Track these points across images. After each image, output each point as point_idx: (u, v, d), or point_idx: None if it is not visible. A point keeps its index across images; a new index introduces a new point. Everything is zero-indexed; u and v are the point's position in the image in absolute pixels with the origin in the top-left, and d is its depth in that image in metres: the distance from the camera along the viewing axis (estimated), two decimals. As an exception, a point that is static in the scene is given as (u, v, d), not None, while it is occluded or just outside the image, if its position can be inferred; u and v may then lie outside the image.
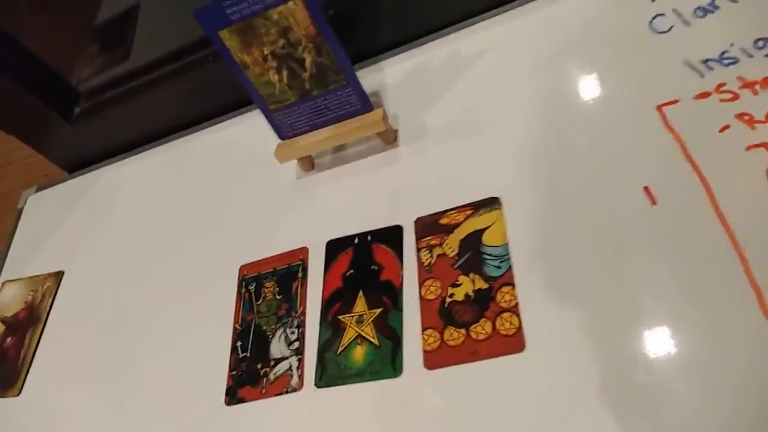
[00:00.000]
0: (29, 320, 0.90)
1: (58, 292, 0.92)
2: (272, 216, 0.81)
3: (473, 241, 0.65)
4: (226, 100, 0.93)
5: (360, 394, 0.62)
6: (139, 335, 0.80)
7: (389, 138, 0.78)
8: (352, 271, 0.71)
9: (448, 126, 0.76)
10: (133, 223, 0.93)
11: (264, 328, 0.72)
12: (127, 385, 0.76)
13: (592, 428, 0.51)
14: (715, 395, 0.48)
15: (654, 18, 0.68)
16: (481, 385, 0.57)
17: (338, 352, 0.66)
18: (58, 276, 0.94)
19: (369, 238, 0.72)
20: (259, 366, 0.69)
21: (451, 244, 0.66)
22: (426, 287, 0.65)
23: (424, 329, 0.62)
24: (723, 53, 0.62)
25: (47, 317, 0.90)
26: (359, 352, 0.64)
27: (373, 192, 0.76)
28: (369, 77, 0.84)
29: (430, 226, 0.69)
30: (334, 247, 0.73)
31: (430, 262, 0.66)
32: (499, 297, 0.61)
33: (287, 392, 0.66)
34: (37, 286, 0.94)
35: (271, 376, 0.68)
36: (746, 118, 0.58)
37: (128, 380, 0.77)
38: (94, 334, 0.84)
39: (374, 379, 0.62)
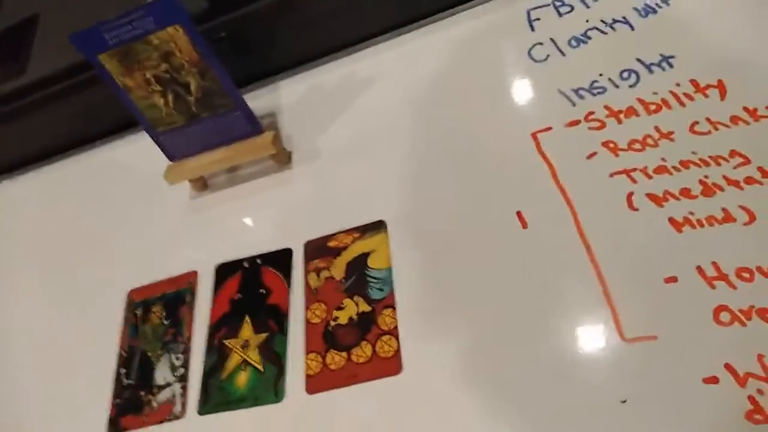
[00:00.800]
0: None
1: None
2: (163, 238, 0.80)
3: (359, 264, 0.66)
4: (120, 119, 0.91)
5: (242, 420, 0.61)
6: (19, 361, 0.76)
7: (282, 159, 0.78)
8: (240, 295, 0.70)
9: (339, 149, 0.76)
10: (20, 241, 0.89)
11: (149, 354, 0.70)
12: (5, 413, 0.73)
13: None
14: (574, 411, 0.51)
15: (533, 47, 0.71)
16: (359, 408, 0.58)
17: (223, 377, 0.65)
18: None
19: (259, 261, 0.71)
20: (143, 393, 0.68)
21: (338, 267, 0.67)
22: (312, 311, 0.65)
23: (307, 353, 0.62)
24: (593, 83, 0.66)
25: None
26: (243, 378, 0.64)
27: (266, 214, 0.76)
28: (264, 98, 0.84)
29: (319, 249, 0.69)
30: (224, 271, 0.73)
31: (317, 286, 0.66)
32: (380, 320, 0.61)
33: (169, 419, 0.64)
34: None
35: (155, 404, 0.66)
36: (611, 145, 0.61)
37: (5, 407, 0.73)
38: None
39: (256, 405, 0.62)
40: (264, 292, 0.69)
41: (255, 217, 0.76)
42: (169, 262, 0.76)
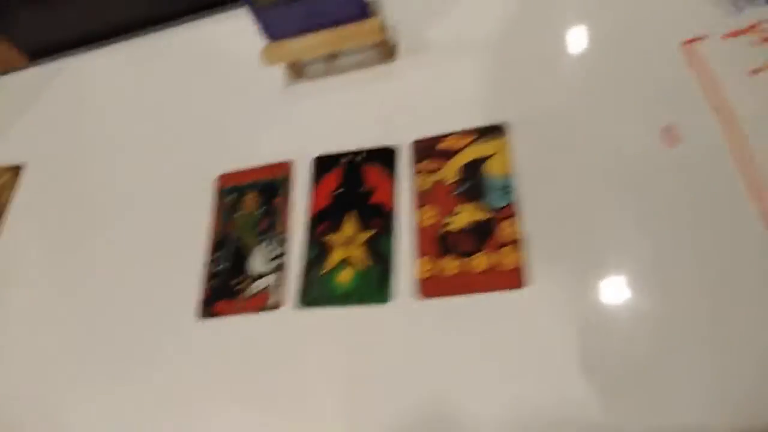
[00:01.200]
0: (-18, 215, 0.84)
1: (18, 186, 0.85)
2: (255, 125, 0.76)
3: (475, 169, 0.62)
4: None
5: (345, 317, 0.60)
6: (107, 239, 0.75)
7: (387, 51, 0.73)
8: (341, 190, 0.67)
9: (450, 43, 0.71)
10: (101, 119, 0.86)
11: (243, 242, 0.68)
12: (92, 291, 0.72)
13: (586, 370, 0.50)
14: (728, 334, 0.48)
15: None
16: (473, 319, 0.55)
17: (323, 272, 0.62)
18: (18, 170, 0.87)
19: (360, 157, 0.68)
20: (236, 280, 0.66)
21: (451, 171, 0.63)
22: (422, 213, 0.62)
23: (418, 256, 0.60)
24: (758, -9, 0.59)
25: (3, 213, 0.83)
26: (346, 275, 0.61)
27: (367, 108, 0.71)
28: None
29: (428, 150, 0.65)
30: (323, 164, 0.69)
31: (426, 188, 0.63)
32: (500, 230, 0.58)
33: (266, 309, 0.63)
34: (-8, 178, 0.87)
35: (249, 292, 0.65)
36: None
37: (93, 285, 0.72)
38: (57, 233, 0.79)
39: (361, 303, 0.59)
40: (367, 189, 0.65)
41: (355, 111, 0.72)
42: (262, 150, 0.73)
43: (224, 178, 0.73)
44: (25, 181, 0.86)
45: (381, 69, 0.73)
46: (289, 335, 0.61)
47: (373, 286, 0.60)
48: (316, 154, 0.70)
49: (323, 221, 0.65)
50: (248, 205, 0.70)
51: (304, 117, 0.74)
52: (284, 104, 0.75)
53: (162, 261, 0.71)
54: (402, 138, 0.67)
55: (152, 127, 0.82)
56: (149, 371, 0.64)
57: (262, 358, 0.61)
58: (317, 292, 0.62)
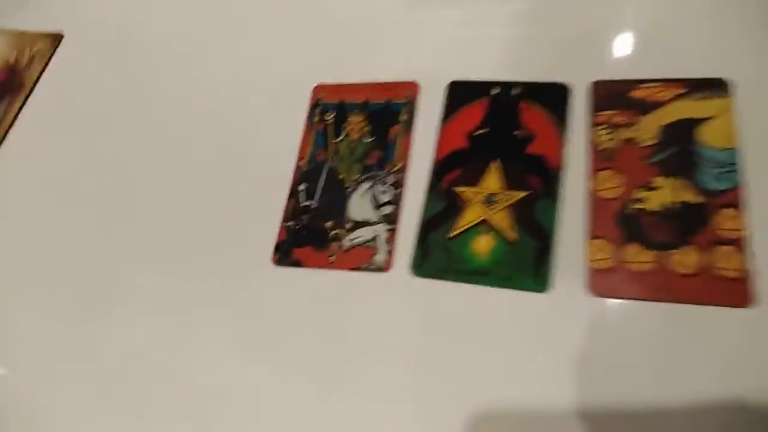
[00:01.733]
0: (8, 86, 0.68)
1: (52, 59, 0.69)
2: (370, 28, 0.59)
3: (684, 132, 0.45)
4: None
5: (480, 300, 0.44)
6: (156, 142, 0.59)
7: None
8: (484, 130, 0.50)
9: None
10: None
11: (342, 175, 0.52)
12: (127, 206, 0.57)
13: None
14: None
15: None
16: (673, 337, 0.40)
17: (451, 235, 0.47)
18: (56, 39, 0.70)
19: (516, 91, 0.51)
20: (328, 224, 0.50)
21: (648, 130, 0.46)
22: (601, 180, 0.45)
23: (592, 237, 0.44)
24: None
25: (33, 88, 0.67)
26: (484, 244, 0.46)
27: (529, 28, 0.54)
28: None
29: (616, 97, 0.48)
30: (461, 92, 0.53)
31: (610, 146, 0.46)
32: (717, 221, 0.42)
33: (368, 269, 0.47)
34: (25, 45, 0.71)
35: (346, 242, 0.49)
36: None
37: (128, 201, 0.57)
38: (93, 125, 0.63)
39: (504, 286, 0.44)
40: (522, 134, 0.49)
41: (511, 29, 0.55)
42: (378, 62, 0.57)
43: (323, 90, 0.57)
44: (62, 54, 0.69)
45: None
46: (395, 311, 0.46)
47: (525, 266, 0.44)
48: (452, 79, 0.53)
49: (455, 167, 0.49)
50: (353, 129, 0.54)
51: (437, 28, 0.57)
52: (411, 6, 0.58)
53: (236, 183, 0.55)
54: (576, 75, 0.50)
55: (235, 10, 0.65)
56: (197, 327, 0.49)
57: (352, 334, 0.46)
58: (441, 259, 0.46)
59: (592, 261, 0.43)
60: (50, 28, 0.71)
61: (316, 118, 0.55)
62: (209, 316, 0.49)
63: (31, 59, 0.69)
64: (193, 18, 0.66)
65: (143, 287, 0.53)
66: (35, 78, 0.67)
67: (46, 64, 0.68)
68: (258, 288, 0.50)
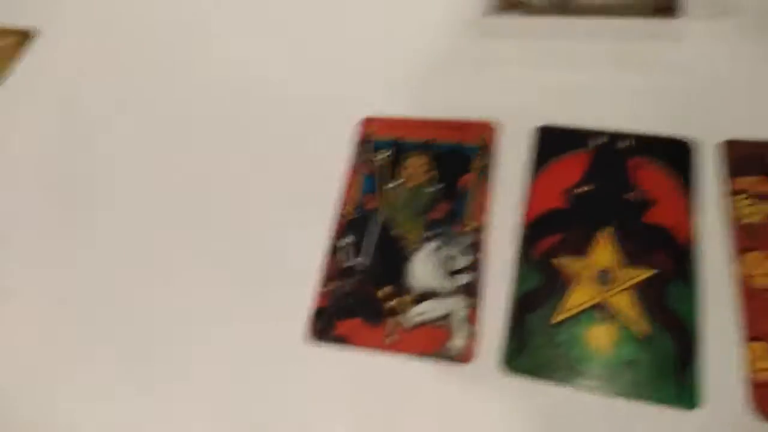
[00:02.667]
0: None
1: (24, 56, 0.56)
2: (435, 55, 0.49)
3: None
4: None
5: (601, 414, 0.33)
6: (145, 169, 0.47)
7: (666, 0, 0.47)
8: (588, 188, 0.40)
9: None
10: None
11: (399, 230, 0.41)
12: (123, 254, 0.43)
13: None
14: None
15: None
16: None
17: (556, 320, 0.35)
18: (28, 35, 0.58)
19: (624, 143, 0.41)
20: (383, 291, 0.38)
21: (804, 203, 0.37)
22: (750, 263, 0.35)
23: (750, 338, 0.33)
24: None
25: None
26: (603, 336, 0.35)
27: (639, 70, 0.45)
28: None
29: (758, 161, 0.39)
30: (554, 140, 0.43)
31: (755, 221, 0.37)
32: None
33: (441, 357, 0.35)
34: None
35: (409, 318, 0.37)
36: None
37: (124, 245, 0.44)
38: (68, 136, 0.50)
39: (636, 398, 0.33)
40: (637, 197, 0.39)
41: (616, 70, 0.46)
42: (446, 95, 0.46)
43: (374, 125, 0.46)
44: (36, 52, 0.56)
45: (652, 24, 0.47)
46: (476, 418, 0.34)
47: (665, 372, 0.33)
48: (534, 122, 0.43)
49: (552, 232, 0.39)
50: (412, 174, 0.43)
51: (520, 62, 0.47)
52: (486, 34, 0.49)
53: (254, 233, 0.43)
54: (700, 130, 0.41)
55: (272, 25, 0.54)
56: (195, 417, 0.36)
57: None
58: (543, 352, 0.35)
59: (754, 371, 0.32)
60: (25, 22, 0.58)
61: (365, 158, 0.44)
62: (218, 407, 0.36)
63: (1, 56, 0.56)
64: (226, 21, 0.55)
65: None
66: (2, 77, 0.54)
67: (15, 61, 0.55)
68: (286, 372, 0.37)
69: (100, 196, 0.47)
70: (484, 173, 0.42)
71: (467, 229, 0.40)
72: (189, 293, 0.41)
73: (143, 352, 0.39)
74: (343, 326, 0.38)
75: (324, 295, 0.39)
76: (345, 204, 0.42)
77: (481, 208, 0.40)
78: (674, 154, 0.40)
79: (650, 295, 0.35)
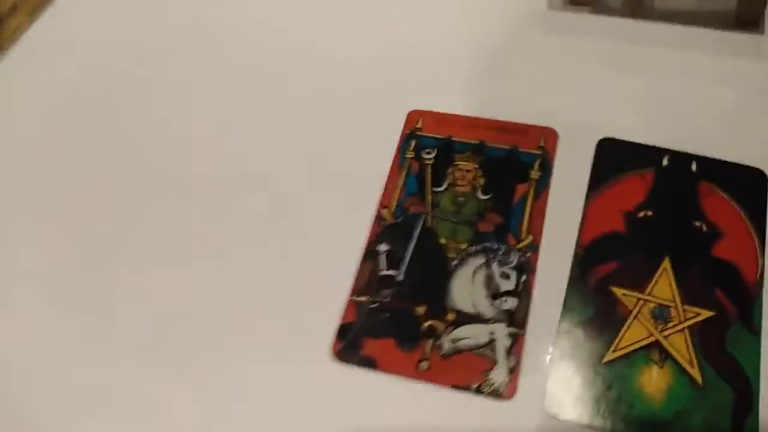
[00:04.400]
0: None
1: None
2: (494, 49, 0.46)
3: None
4: None
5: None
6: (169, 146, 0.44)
7: (750, 12, 0.43)
8: (650, 212, 0.37)
9: None
10: None
11: (443, 240, 0.38)
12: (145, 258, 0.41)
13: None
14: None
15: None
16: None
17: (609, 358, 0.33)
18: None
19: (695, 165, 0.38)
20: (421, 309, 0.36)
21: None
22: (825, 313, 0.33)
23: (819, 399, 0.31)
24: None
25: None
26: (657, 380, 0.32)
27: (716, 87, 0.42)
28: None
29: (842, 200, 0.36)
30: (616, 156, 0.39)
31: (834, 267, 0.34)
32: None
33: (479, 391, 0.33)
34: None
35: (446, 343, 0.35)
36: None
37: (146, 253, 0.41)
38: (85, 109, 0.47)
39: (687, 452, 0.30)
40: (704, 227, 0.36)
41: (683, 85, 0.42)
42: (501, 94, 0.43)
43: (421, 118, 0.43)
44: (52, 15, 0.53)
45: (737, 38, 0.43)
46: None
47: (720, 424, 0.31)
48: (599, 134, 0.40)
49: (609, 258, 0.36)
50: (461, 178, 0.40)
51: (585, 66, 0.44)
52: (552, 35, 0.45)
53: (278, 231, 0.40)
54: (777, 160, 0.37)
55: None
56: None
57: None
58: (591, 394, 0.32)
59: (821, 436, 0.30)
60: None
61: (410, 155, 0.41)
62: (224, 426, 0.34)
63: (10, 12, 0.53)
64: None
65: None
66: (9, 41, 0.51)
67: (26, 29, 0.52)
68: (306, 392, 0.34)
69: (129, 184, 0.44)
70: (542, 185, 0.39)
71: (518, 245, 0.37)
72: (207, 291, 0.38)
73: (160, 348, 0.37)
74: (372, 346, 0.35)
75: (353, 307, 0.36)
76: (384, 204, 0.40)
77: (535, 224, 0.38)
78: (749, 185, 0.37)
79: (709, 338, 0.33)
